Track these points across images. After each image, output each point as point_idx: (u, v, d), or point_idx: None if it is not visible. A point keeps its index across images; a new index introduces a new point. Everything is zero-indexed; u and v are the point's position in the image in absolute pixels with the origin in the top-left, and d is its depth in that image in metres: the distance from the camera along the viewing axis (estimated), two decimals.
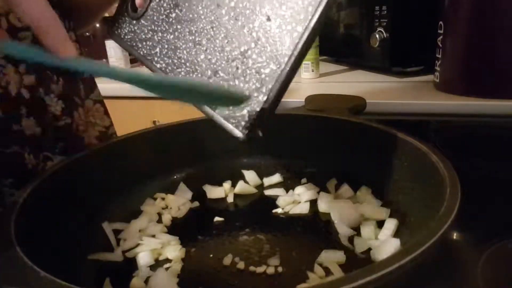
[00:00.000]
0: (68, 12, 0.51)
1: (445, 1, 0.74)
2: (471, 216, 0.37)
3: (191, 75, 0.35)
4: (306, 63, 1.00)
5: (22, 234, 0.28)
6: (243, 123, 0.31)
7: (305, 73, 1.00)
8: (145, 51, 0.39)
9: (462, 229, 0.37)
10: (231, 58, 0.33)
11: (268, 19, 0.31)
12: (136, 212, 0.45)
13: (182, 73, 0.36)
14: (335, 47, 1.15)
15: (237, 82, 0.32)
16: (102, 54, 1.52)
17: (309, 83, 0.98)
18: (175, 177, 0.51)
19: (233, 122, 0.31)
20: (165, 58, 0.37)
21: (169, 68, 0.37)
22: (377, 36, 0.90)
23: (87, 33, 1.64)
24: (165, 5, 0.38)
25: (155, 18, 0.39)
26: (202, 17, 0.35)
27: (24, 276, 0.24)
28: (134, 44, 0.40)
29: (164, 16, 0.38)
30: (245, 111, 0.31)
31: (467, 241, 0.38)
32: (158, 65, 0.38)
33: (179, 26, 0.37)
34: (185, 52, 0.36)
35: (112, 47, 1.44)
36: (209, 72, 0.34)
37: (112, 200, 0.44)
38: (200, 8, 0.36)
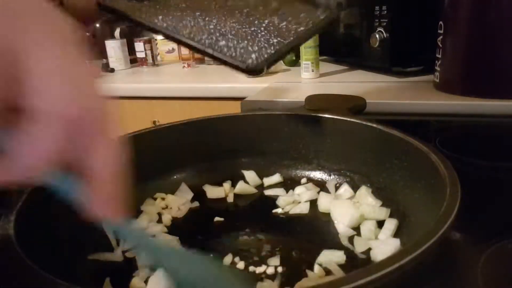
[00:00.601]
0: None
1: (445, 1, 0.74)
2: (471, 216, 0.37)
3: (196, 33, 0.38)
4: (306, 63, 0.99)
5: (22, 234, 0.28)
6: (250, 60, 0.35)
7: (305, 73, 1.00)
8: (144, 16, 0.41)
9: (462, 229, 0.37)
10: (241, 30, 0.37)
11: (276, 20, 0.38)
12: (136, 212, 0.45)
13: (187, 31, 0.38)
14: (335, 47, 1.15)
15: (245, 42, 0.36)
16: (102, 54, 1.51)
17: (309, 83, 0.98)
18: (175, 177, 0.51)
19: (241, 60, 0.36)
20: (168, 22, 0.40)
21: (170, 28, 0.39)
22: (377, 36, 0.90)
23: (87, 33, 1.64)
24: None
25: (162, 3, 0.40)
26: (214, 12, 0.39)
27: (24, 276, 0.24)
28: (130, 12, 0.41)
29: (173, 4, 0.40)
30: (253, 56, 0.35)
31: (467, 241, 0.38)
32: (159, 24, 0.40)
33: (188, 11, 0.39)
34: (192, 22, 0.39)
35: (112, 47, 1.43)
36: (217, 34, 0.37)
37: None
38: (212, 5, 0.39)
